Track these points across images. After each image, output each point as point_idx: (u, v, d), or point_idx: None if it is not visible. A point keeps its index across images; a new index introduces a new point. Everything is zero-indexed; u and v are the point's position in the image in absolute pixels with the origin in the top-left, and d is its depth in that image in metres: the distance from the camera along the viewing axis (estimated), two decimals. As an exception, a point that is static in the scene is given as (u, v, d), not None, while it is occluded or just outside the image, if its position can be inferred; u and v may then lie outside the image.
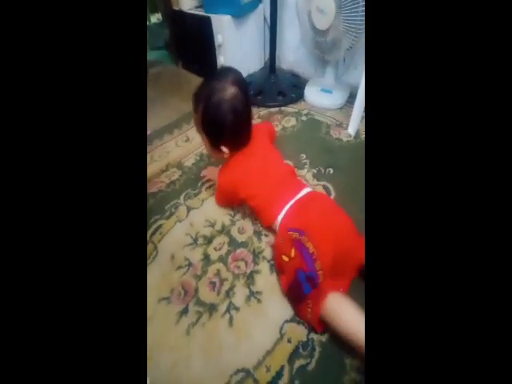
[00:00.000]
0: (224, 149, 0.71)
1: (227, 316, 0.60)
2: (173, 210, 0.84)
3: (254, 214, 0.76)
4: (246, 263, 0.69)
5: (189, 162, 0.99)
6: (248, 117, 0.71)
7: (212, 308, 0.61)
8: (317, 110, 1.16)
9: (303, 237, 0.54)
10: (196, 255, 0.72)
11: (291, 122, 1.12)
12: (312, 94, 1.19)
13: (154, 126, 1.19)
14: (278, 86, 1.27)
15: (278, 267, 0.65)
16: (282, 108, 1.19)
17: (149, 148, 1.08)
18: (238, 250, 0.72)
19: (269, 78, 1.32)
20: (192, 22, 1.38)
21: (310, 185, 0.85)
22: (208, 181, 0.91)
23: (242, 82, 0.68)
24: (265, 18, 1.41)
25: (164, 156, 1.03)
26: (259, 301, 0.62)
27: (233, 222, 0.78)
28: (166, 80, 1.59)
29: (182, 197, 0.88)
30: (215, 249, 0.73)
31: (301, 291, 0.53)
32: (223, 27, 1.27)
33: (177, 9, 1.43)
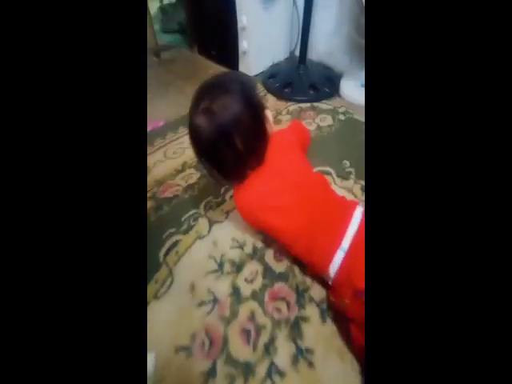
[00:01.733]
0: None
1: (269, 384, 0.43)
2: (191, 222, 0.65)
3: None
4: (289, 305, 0.51)
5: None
6: (255, 138, 0.49)
7: (247, 370, 0.44)
8: (356, 108, 0.96)
9: None
10: (222, 287, 0.54)
11: (327, 120, 0.92)
12: (350, 89, 1.00)
13: (167, 116, 0.99)
14: (308, 79, 1.07)
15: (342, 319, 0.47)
16: (315, 104, 1.00)
17: (162, 142, 0.88)
18: (277, 285, 0.54)
19: (298, 68, 1.11)
20: (212, 3, 1.17)
21: (359, 201, 0.67)
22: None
23: (241, 99, 0.46)
24: (294, 2, 1.20)
25: (179, 153, 0.84)
26: (311, 364, 0.44)
27: (267, 244, 0.60)
28: (181, 65, 1.37)
29: (201, 206, 0.69)
30: (246, 280, 0.55)
31: None
32: (249, 7, 1.06)
33: (196, -15, 1.21)
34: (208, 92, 0.48)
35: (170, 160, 0.82)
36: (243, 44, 1.15)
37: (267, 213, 0.51)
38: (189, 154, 0.83)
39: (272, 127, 0.53)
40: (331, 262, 0.46)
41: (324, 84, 1.05)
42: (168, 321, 0.50)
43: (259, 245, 0.60)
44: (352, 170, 0.75)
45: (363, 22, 0.88)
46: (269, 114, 0.52)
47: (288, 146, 0.56)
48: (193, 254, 0.59)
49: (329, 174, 0.74)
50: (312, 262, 0.50)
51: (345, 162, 0.77)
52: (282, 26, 1.22)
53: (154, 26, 1.65)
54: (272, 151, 0.53)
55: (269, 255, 0.58)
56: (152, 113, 0.97)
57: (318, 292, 0.52)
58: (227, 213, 0.67)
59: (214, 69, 1.31)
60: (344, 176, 0.73)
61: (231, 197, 0.70)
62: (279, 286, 0.53)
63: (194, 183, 0.75)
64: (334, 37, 1.15)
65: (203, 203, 0.70)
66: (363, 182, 0.71)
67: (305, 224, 0.49)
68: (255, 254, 0.58)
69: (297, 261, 0.56)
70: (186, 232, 0.63)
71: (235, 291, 0.53)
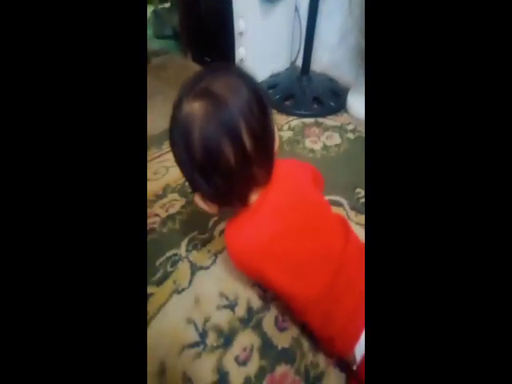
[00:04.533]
0: (203, 202, 0.37)
1: None
2: (169, 267, 0.49)
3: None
4: (297, 404, 0.36)
5: (196, 186, 0.65)
6: (262, 149, 0.34)
7: None
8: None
9: None
10: (204, 371, 0.38)
11: (334, 139, 0.78)
12: (359, 105, 0.86)
13: (151, 128, 0.84)
14: (312, 91, 0.94)
15: None
16: (320, 119, 0.86)
17: (141, 159, 0.73)
18: (279, 369, 0.38)
19: (300, 80, 0.98)
20: (208, 5, 1.04)
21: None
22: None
23: (249, 86, 0.33)
24: (296, 8, 1.08)
25: (161, 173, 0.68)
26: None
27: (266, 303, 0.45)
28: (172, 72, 1.23)
29: (183, 244, 0.53)
30: (238, 360, 0.39)
31: None
32: (248, 10, 0.93)
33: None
34: (206, 74, 0.33)
35: (150, 182, 0.66)
36: (240, 51, 1.01)
37: (273, 263, 0.35)
38: (173, 174, 0.68)
39: (278, 141, 0.38)
40: (357, 339, 0.32)
41: (329, 97, 0.92)
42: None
43: (255, 304, 0.45)
44: (368, 201, 0.61)
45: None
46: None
47: (303, 175, 0.42)
48: (167, 315, 0.43)
49: (340, 205, 0.60)
50: (330, 337, 0.35)
51: (358, 190, 0.63)
52: (282, 33, 1.10)
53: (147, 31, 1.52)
54: (282, 177, 0.38)
55: (269, 321, 0.43)
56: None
57: (335, 381, 0.37)
58: (215, 255, 0.51)
59: (208, 77, 1.18)
60: (359, 209, 0.59)
61: (221, 232, 0.55)
62: (282, 371, 0.38)
63: (176, 213, 0.59)
64: (340, 47, 1.02)
65: (185, 240, 0.54)
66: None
67: (324, 286, 0.34)
68: (250, 319, 0.43)
69: (307, 329, 0.41)
70: (160, 282, 0.47)
71: (222, 378, 0.37)
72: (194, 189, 0.37)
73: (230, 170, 0.32)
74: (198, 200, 0.37)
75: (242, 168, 0.33)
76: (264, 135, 0.34)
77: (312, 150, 0.74)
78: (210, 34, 1.11)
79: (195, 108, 0.31)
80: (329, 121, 0.86)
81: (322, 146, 0.76)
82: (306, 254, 0.36)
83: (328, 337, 0.35)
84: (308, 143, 0.77)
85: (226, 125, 0.30)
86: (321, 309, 0.34)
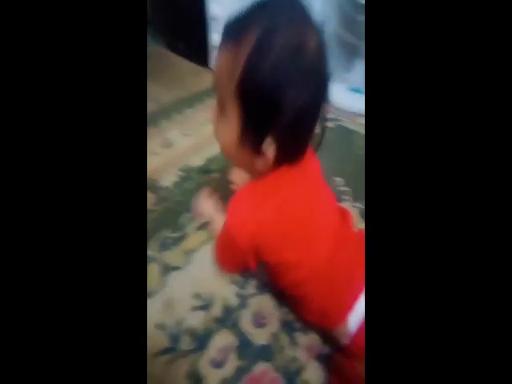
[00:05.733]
0: (269, 150, 0.30)
1: None
2: (139, 269, 0.46)
3: (290, 298, 0.39)
4: (276, 404, 0.34)
5: (168, 181, 0.60)
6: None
7: None
8: (345, 115, 0.81)
9: None
10: (178, 376, 0.35)
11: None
12: (337, 93, 0.84)
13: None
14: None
15: None
16: (297, 108, 0.84)
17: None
18: (258, 367, 0.36)
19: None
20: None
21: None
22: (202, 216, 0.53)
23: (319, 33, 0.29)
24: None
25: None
26: None
27: (243, 301, 0.42)
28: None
29: (155, 244, 0.50)
30: (213, 363, 0.37)
31: None
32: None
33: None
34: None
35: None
36: (213, 37, 0.97)
37: (285, 228, 0.32)
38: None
39: None
40: (350, 311, 0.32)
41: (306, 86, 0.90)
42: None
43: (232, 302, 0.42)
44: (347, 189, 0.59)
45: (353, 17, 0.74)
46: None
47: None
48: (137, 320, 0.40)
49: (319, 195, 0.58)
50: (322, 310, 0.34)
51: (337, 179, 0.61)
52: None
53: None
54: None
55: (245, 319, 0.40)
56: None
57: (315, 375, 0.36)
58: (188, 254, 0.48)
59: (183, 66, 1.12)
60: (337, 197, 0.57)
61: (197, 229, 0.52)
62: (261, 370, 0.36)
63: (148, 211, 0.55)
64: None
65: (158, 240, 0.50)
66: (361, 205, 0.56)
67: (327, 255, 0.34)
68: (227, 319, 0.40)
69: (285, 325, 0.39)
70: (129, 285, 0.44)
71: (196, 382, 0.35)
72: (269, 131, 0.29)
73: (311, 112, 0.30)
74: (271, 143, 0.29)
75: (315, 116, 0.31)
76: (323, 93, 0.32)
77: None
78: (182, 19, 1.05)
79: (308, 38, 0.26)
80: (306, 110, 0.84)
81: (299, 135, 0.74)
82: (314, 223, 0.34)
83: (321, 309, 0.34)
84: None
85: (313, 67, 0.28)
86: (324, 277, 0.33)
